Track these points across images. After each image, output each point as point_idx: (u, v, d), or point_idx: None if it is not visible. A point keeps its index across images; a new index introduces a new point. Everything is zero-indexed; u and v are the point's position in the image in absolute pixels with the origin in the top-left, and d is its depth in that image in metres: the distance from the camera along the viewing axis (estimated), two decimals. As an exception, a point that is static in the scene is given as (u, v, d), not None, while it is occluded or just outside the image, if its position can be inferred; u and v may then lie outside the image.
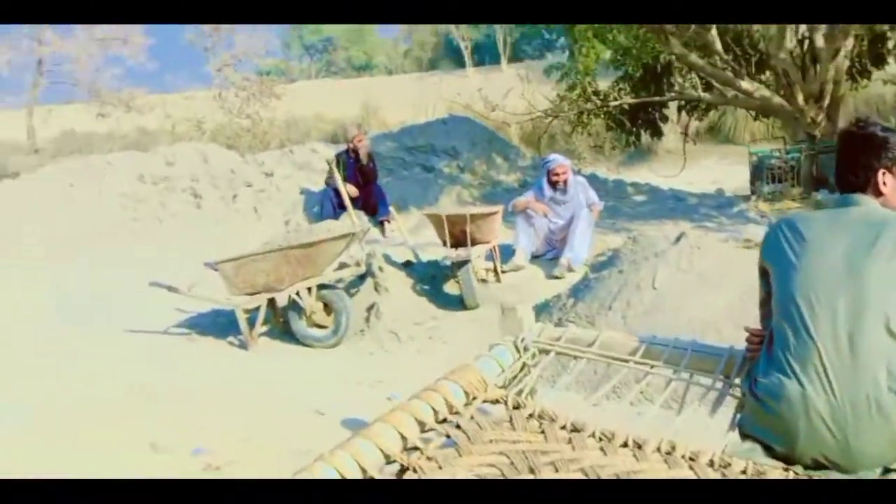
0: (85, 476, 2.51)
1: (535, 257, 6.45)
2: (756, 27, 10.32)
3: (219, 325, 5.22)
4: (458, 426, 1.57)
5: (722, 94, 10.62)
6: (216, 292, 4.96)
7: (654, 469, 1.50)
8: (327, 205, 7.66)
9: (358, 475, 1.43)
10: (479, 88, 11.57)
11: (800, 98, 9.59)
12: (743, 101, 10.58)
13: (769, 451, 1.75)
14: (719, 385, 2.18)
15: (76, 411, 3.50)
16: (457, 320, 5.32)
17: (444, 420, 1.63)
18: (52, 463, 2.86)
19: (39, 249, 7.36)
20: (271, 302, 4.97)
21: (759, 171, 9.90)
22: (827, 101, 9.60)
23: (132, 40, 17.00)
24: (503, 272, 6.05)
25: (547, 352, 2.37)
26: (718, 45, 9.86)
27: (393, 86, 25.53)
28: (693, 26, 9.24)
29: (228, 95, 15.93)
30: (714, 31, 9.69)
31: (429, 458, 1.46)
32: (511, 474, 1.45)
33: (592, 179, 9.13)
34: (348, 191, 6.53)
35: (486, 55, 35.15)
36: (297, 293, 4.88)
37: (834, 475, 1.66)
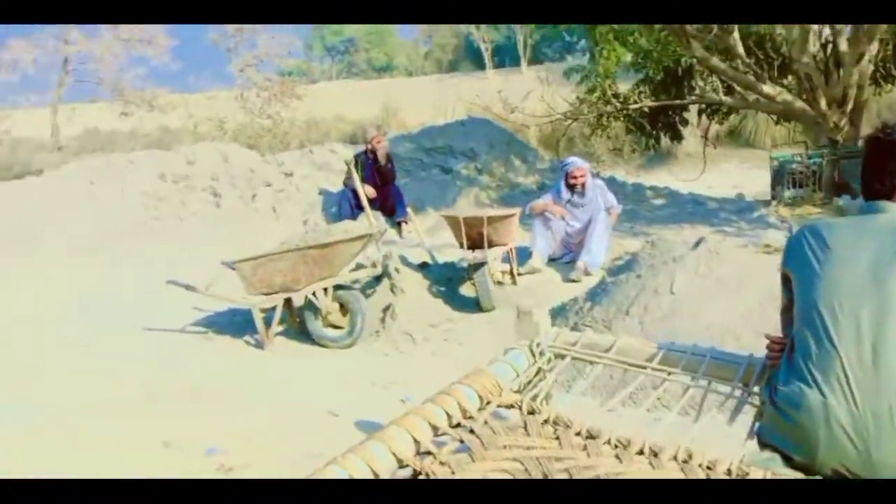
0: (98, 474, 2.53)
1: (551, 260, 6.41)
2: (779, 31, 10.21)
3: (235, 324, 5.24)
4: (471, 431, 1.56)
5: (743, 98, 10.50)
6: (233, 291, 4.99)
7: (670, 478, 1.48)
8: (345, 205, 7.70)
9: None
10: (499, 90, 11.52)
11: (822, 102, 9.46)
12: (765, 105, 10.46)
13: (788, 460, 1.72)
14: (738, 393, 2.15)
15: (92, 409, 3.52)
16: (472, 322, 5.30)
17: (458, 424, 1.62)
18: (69, 460, 2.88)
19: (62, 246, 7.44)
20: (288, 302, 4.98)
21: (780, 176, 9.76)
22: (850, 106, 9.45)
23: (156, 41, 17.22)
24: (520, 275, 6.02)
25: (563, 356, 2.35)
26: (740, 49, 9.75)
27: (413, 87, 25.58)
28: (715, 29, 9.15)
29: (250, 96, 16.05)
30: (736, 34, 9.58)
31: (442, 463, 1.45)
32: (524, 480, 1.43)
33: (611, 182, 9.08)
34: (366, 192, 6.52)
35: (506, 57, 35.13)
36: (314, 293, 4.89)
37: None
